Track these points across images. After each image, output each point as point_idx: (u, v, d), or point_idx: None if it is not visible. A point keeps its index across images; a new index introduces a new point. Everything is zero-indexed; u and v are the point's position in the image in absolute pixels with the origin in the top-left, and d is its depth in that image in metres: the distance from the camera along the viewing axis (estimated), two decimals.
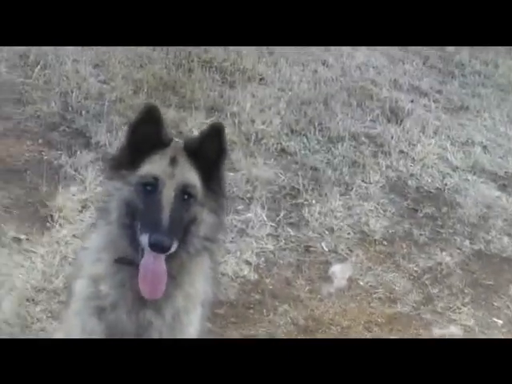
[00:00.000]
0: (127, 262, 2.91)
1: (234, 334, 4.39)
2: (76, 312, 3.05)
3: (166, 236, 2.70)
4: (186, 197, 2.84)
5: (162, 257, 2.78)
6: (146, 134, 2.88)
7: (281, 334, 4.48)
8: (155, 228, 2.71)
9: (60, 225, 4.85)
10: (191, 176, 2.89)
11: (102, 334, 2.97)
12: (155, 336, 2.96)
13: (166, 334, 2.97)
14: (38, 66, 6.51)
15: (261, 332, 4.45)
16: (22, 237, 4.71)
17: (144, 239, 2.74)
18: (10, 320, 4.08)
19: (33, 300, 4.26)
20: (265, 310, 4.64)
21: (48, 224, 4.87)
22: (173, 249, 2.74)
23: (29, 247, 4.64)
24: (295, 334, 4.50)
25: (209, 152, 2.91)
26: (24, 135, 5.74)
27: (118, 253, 2.92)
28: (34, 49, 6.72)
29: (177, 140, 3.04)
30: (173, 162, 2.88)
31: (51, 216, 4.92)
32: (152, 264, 2.78)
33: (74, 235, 4.78)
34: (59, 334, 3.32)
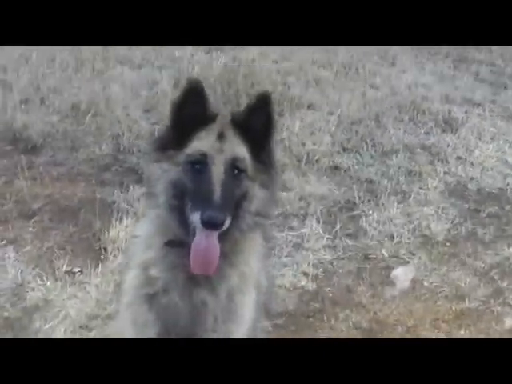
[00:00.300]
0: (178, 244, 2.83)
1: None
2: (127, 304, 2.98)
3: (219, 212, 2.61)
4: (236, 171, 2.76)
5: (215, 234, 2.69)
6: (191, 111, 2.80)
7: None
8: (207, 205, 2.62)
9: (114, 255, 4.85)
10: (240, 150, 2.80)
11: (155, 323, 2.90)
12: (209, 318, 2.87)
13: (221, 317, 2.88)
14: (89, 114, 6.65)
15: (322, 338, 4.28)
16: (76, 270, 4.73)
17: (195, 217, 2.64)
18: None
19: (86, 326, 4.24)
20: (325, 317, 4.49)
21: (102, 256, 4.88)
22: (226, 225, 2.65)
23: (82, 279, 4.65)
24: (359, 338, 4.32)
25: (257, 124, 2.83)
26: (77, 178, 5.85)
27: (168, 236, 2.85)
28: (85, 98, 6.91)
29: (223, 115, 2.93)
30: (220, 136, 2.79)
31: (105, 248, 4.93)
32: (204, 241, 2.68)
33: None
34: (111, 331, 3.28)
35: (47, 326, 4.19)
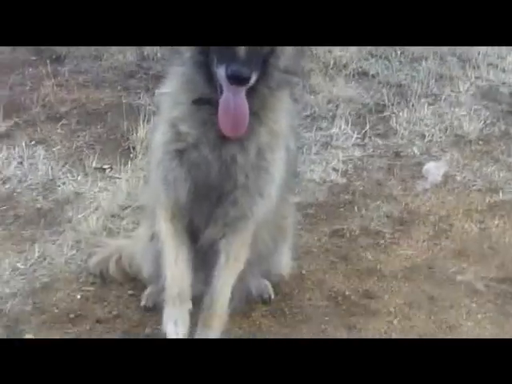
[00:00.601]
0: (206, 102, 2.73)
1: (324, 229, 4.22)
2: (157, 161, 2.92)
3: (244, 66, 2.50)
4: None
5: (242, 91, 2.58)
6: None
7: (375, 227, 4.27)
8: (232, 58, 2.51)
9: (143, 154, 4.82)
10: None
11: (186, 178, 2.85)
12: (240, 174, 2.81)
13: (251, 174, 2.82)
14: None
15: (353, 226, 4.26)
16: (106, 166, 4.73)
17: (221, 72, 2.54)
18: (96, 232, 4.07)
19: (118, 215, 4.25)
20: (356, 208, 4.44)
21: (131, 155, 4.86)
22: (252, 81, 2.55)
23: (113, 174, 4.65)
24: (391, 226, 4.28)
25: None
26: (102, 84, 5.80)
27: (196, 93, 2.74)
28: None
29: None
30: None
31: (133, 147, 4.91)
32: (232, 99, 2.58)
33: None
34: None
35: (79, 216, 4.20)
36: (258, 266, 3.34)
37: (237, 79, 2.52)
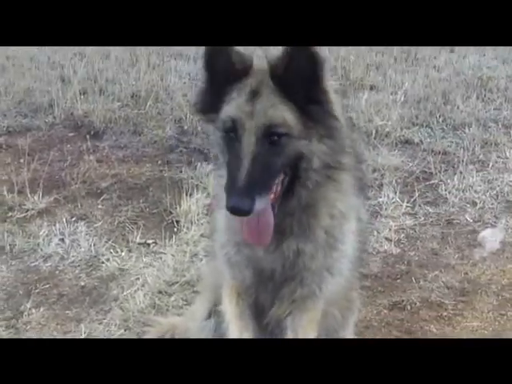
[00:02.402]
0: None
1: (383, 302, 4.02)
2: (221, 243, 2.82)
3: (244, 197, 2.29)
4: (275, 138, 2.37)
5: (268, 204, 2.41)
6: (220, 66, 2.42)
7: (436, 298, 4.05)
8: (231, 188, 2.32)
9: (187, 228, 4.70)
10: (277, 110, 2.38)
11: (247, 266, 2.75)
12: (307, 261, 2.67)
13: (319, 254, 2.67)
14: (150, 101, 6.54)
15: (413, 298, 4.04)
16: (150, 241, 4.59)
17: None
18: (145, 309, 3.90)
19: (166, 292, 4.08)
20: (413, 278, 4.23)
21: (175, 229, 4.73)
22: (257, 208, 2.32)
23: (157, 249, 4.51)
24: (452, 297, 4.06)
25: (302, 69, 2.37)
26: (143, 159, 5.73)
27: None
28: (143, 87, 6.83)
29: (260, 68, 2.49)
30: (253, 95, 2.39)
31: (177, 221, 4.79)
32: (257, 216, 2.41)
33: (201, 235, 4.59)
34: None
35: (125, 293, 4.03)
36: None
37: (235, 212, 2.34)
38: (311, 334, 2.84)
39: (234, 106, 2.40)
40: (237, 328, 2.82)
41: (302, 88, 2.40)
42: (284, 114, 2.39)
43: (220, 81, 2.44)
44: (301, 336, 2.81)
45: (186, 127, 6.19)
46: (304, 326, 2.82)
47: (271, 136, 2.38)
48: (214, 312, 3.11)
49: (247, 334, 2.81)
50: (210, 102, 2.49)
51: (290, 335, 2.83)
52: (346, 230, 2.75)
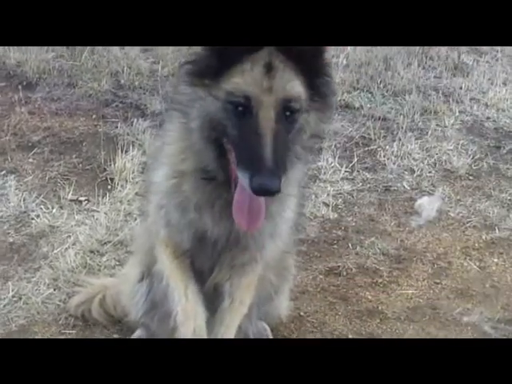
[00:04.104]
0: (212, 178, 2.48)
1: (319, 267, 4.00)
2: (159, 204, 2.70)
3: (273, 177, 2.17)
4: (288, 113, 2.29)
5: None
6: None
7: (371, 265, 4.05)
8: (257, 168, 2.17)
9: (121, 186, 4.57)
10: (295, 85, 2.30)
11: (190, 227, 2.64)
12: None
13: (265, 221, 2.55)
14: (85, 52, 6.30)
15: (349, 264, 4.04)
16: (82, 198, 4.45)
17: (244, 179, 2.22)
18: (75, 269, 3.78)
19: (98, 251, 3.97)
20: (350, 244, 4.22)
21: (109, 186, 4.59)
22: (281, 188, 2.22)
23: (90, 207, 4.36)
24: (388, 264, 4.07)
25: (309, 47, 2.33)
26: (77, 113, 5.51)
27: (202, 163, 2.47)
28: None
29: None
30: (269, 69, 2.27)
31: (111, 179, 4.65)
32: (248, 200, 2.33)
33: (136, 193, 4.47)
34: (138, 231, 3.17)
35: (56, 251, 3.90)
36: (258, 309, 3.08)
37: (264, 193, 2.23)
38: (248, 300, 2.79)
39: (248, 80, 2.27)
40: (180, 282, 2.71)
41: (309, 61, 2.34)
42: (299, 89, 2.32)
43: (227, 49, 2.30)
44: (237, 301, 2.75)
45: (122, 81, 5.97)
46: (242, 291, 2.77)
47: (286, 111, 2.29)
48: (146, 275, 3.02)
49: (192, 287, 2.72)
50: (211, 68, 2.33)
51: (227, 300, 2.76)
52: (289, 195, 2.69)
